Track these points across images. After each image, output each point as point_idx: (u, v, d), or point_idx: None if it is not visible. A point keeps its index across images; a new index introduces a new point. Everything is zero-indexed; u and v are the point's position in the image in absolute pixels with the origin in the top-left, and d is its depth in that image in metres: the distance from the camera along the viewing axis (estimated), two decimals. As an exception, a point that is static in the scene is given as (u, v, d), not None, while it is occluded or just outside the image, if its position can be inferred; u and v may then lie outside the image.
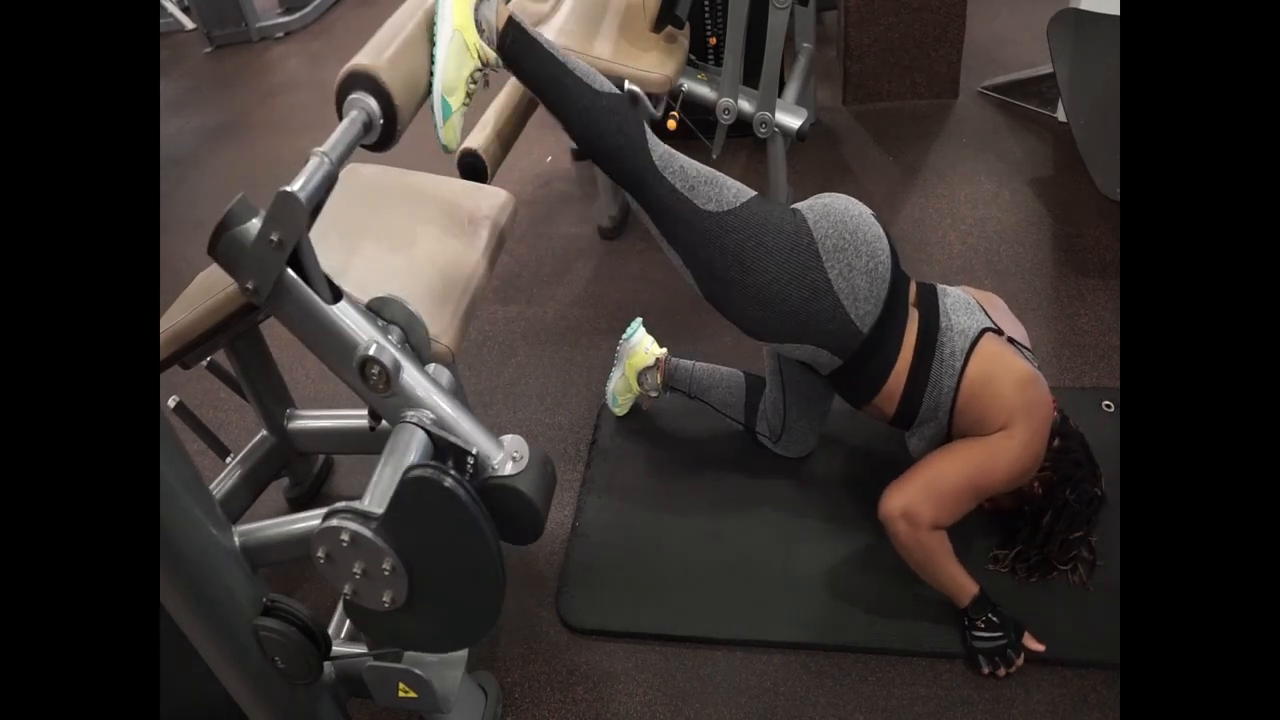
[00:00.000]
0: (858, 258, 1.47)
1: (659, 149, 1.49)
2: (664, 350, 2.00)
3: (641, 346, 1.99)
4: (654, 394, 1.99)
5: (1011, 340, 1.57)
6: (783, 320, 1.47)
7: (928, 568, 1.50)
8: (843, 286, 1.46)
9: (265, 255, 1.13)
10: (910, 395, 1.52)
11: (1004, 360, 1.50)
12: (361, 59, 1.30)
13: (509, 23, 1.43)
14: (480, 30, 1.40)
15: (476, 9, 1.39)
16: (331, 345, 1.21)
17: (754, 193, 1.53)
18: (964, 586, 1.50)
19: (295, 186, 1.11)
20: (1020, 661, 1.49)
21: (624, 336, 2.03)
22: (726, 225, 1.46)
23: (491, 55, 1.43)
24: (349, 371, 1.20)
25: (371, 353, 1.18)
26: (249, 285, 1.15)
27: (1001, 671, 1.49)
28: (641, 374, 1.98)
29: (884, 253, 1.50)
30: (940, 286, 1.61)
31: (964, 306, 1.57)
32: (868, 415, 1.62)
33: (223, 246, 1.14)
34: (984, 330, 1.52)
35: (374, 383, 1.20)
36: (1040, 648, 1.50)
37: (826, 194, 1.58)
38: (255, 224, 1.15)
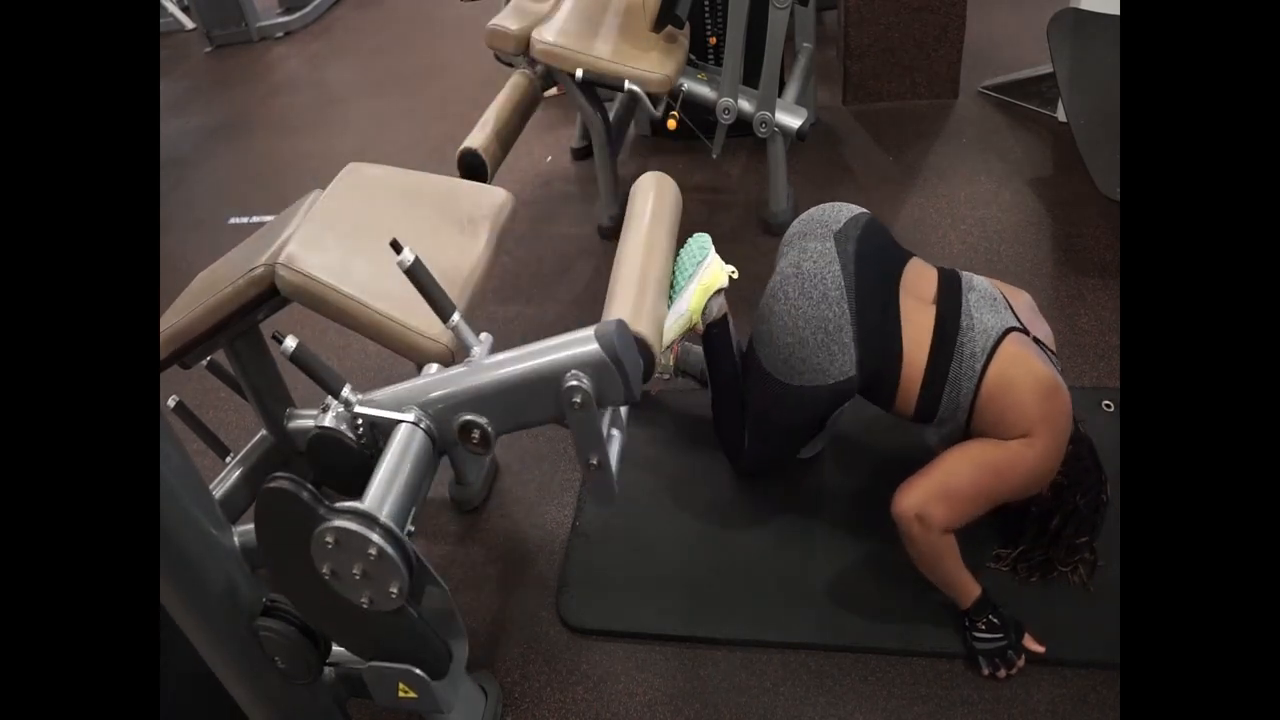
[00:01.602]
0: (804, 348, 1.50)
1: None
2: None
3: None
4: (665, 375, 1.98)
5: (1037, 341, 1.54)
6: (802, 429, 1.71)
7: (934, 567, 1.50)
8: (812, 377, 1.52)
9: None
10: (927, 395, 1.51)
11: (1027, 365, 1.46)
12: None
13: (723, 320, 1.74)
14: (704, 313, 1.72)
15: (711, 299, 1.70)
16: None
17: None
18: (967, 588, 1.50)
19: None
20: (1021, 663, 1.49)
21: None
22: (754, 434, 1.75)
23: (699, 327, 1.74)
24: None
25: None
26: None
27: (1002, 673, 1.49)
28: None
29: (831, 305, 1.48)
30: (965, 278, 1.59)
31: (989, 303, 1.54)
32: (895, 415, 1.62)
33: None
34: (1008, 330, 1.49)
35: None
36: (1040, 649, 1.50)
37: (770, 283, 1.59)
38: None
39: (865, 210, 1.63)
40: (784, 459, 1.83)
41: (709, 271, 1.74)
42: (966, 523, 1.47)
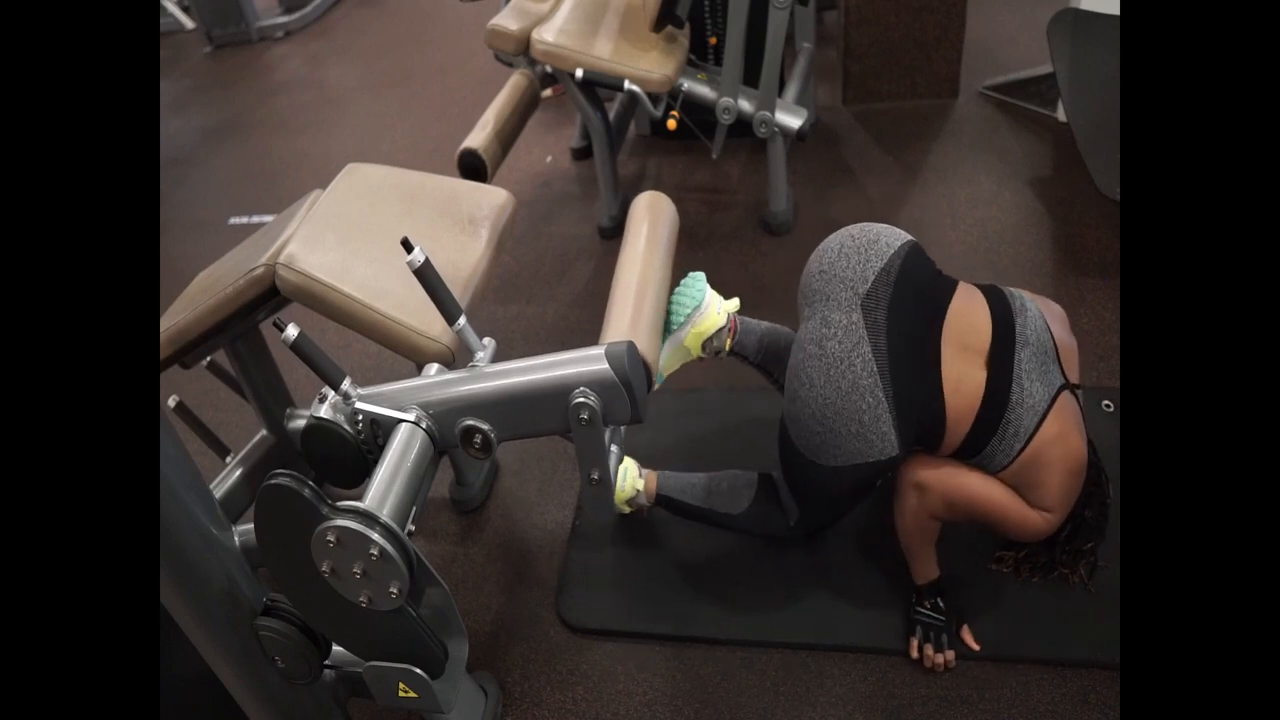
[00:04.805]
0: (837, 437, 1.38)
1: (771, 502, 1.62)
2: (735, 302, 1.71)
3: (712, 309, 1.65)
4: (721, 354, 1.72)
5: (1074, 389, 1.46)
6: (853, 497, 1.51)
7: (910, 539, 1.53)
8: (849, 459, 1.39)
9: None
10: (960, 455, 1.45)
11: (1065, 444, 1.39)
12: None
13: (658, 496, 1.71)
14: (635, 506, 1.74)
15: (709, 340, 1.65)
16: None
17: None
18: (928, 568, 1.55)
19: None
20: (951, 656, 1.52)
21: (681, 305, 1.65)
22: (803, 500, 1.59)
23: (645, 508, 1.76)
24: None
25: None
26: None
27: (929, 650, 1.52)
28: (708, 340, 1.67)
29: (863, 396, 1.34)
30: (1019, 323, 1.42)
31: (1040, 358, 1.41)
32: None
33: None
34: (1055, 397, 1.39)
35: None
36: (975, 646, 1.54)
37: (793, 357, 1.44)
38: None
39: (900, 242, 1.43)
40: (844, 516, 1.65)
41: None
42: (950, 522, 1.50)
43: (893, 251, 1.42)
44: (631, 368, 1.21)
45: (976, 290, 1.48)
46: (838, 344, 1.36)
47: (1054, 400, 1.39)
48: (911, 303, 1.39)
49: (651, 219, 1.60)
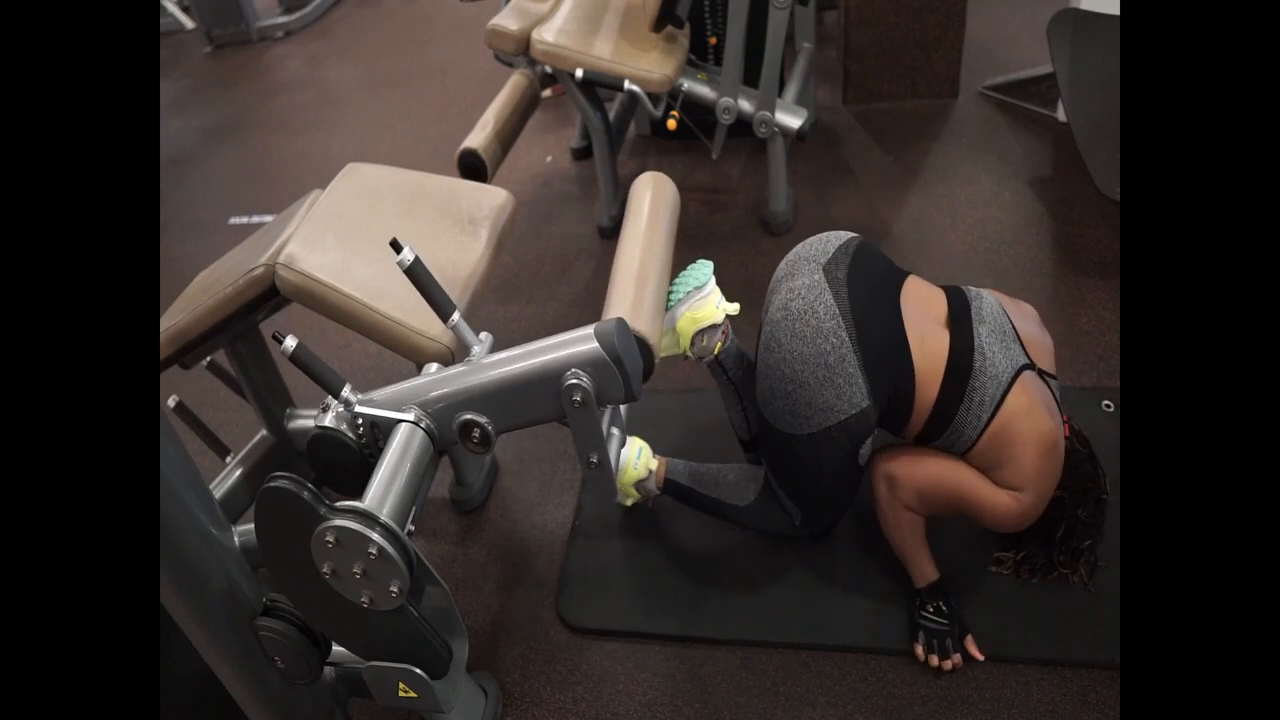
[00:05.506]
0: (806, 391, 1.41)
1: (776, 499, 1.63)
2: (735, 306, 1.63)
3: (712, 300, 1.62)
4: (703, 357, 1.68)
5: (1041, 373, 1.48)
6: (842, 476, 1.54)
7: (895, 537, 1.54)
8: (821, 419, 1.42)
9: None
10: (929, 430, 1.47)
11: (1033, 419, 1.40)
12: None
13: (666, 482, 1.73)
14: (644, 491, 1.73)
15: (700, 334, 1.60)
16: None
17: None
18: (924, 569, 1.55)
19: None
20: (958, 660, 1.51)
21: (684, 284, 1.61)
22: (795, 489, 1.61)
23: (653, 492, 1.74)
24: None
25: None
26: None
27: (935, 659, 1.51)
28: (699, 335, 1.61)
29: (827, 338, 1.38)
30: (974, 303, 1.49)
31: (999, 335, 1.45)
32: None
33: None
34: (1019, 372, 1.42)
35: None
36: (979, 656, 1.52)
37: (761, 337, 1.48)
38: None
39: (856, 235, 1.54)
40: (845, 507, 1.65)
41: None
42: (927, 515, 1.52)
43: (849, 237, 1.53)
44: (622, 344, 1.21)
45: (928, 282, 1.55)
46: (801, 300, 1.42)
47: (1017, 374, 1.42)
48: (869, 270, 1.47)
49: (654, 199, 1.59)
